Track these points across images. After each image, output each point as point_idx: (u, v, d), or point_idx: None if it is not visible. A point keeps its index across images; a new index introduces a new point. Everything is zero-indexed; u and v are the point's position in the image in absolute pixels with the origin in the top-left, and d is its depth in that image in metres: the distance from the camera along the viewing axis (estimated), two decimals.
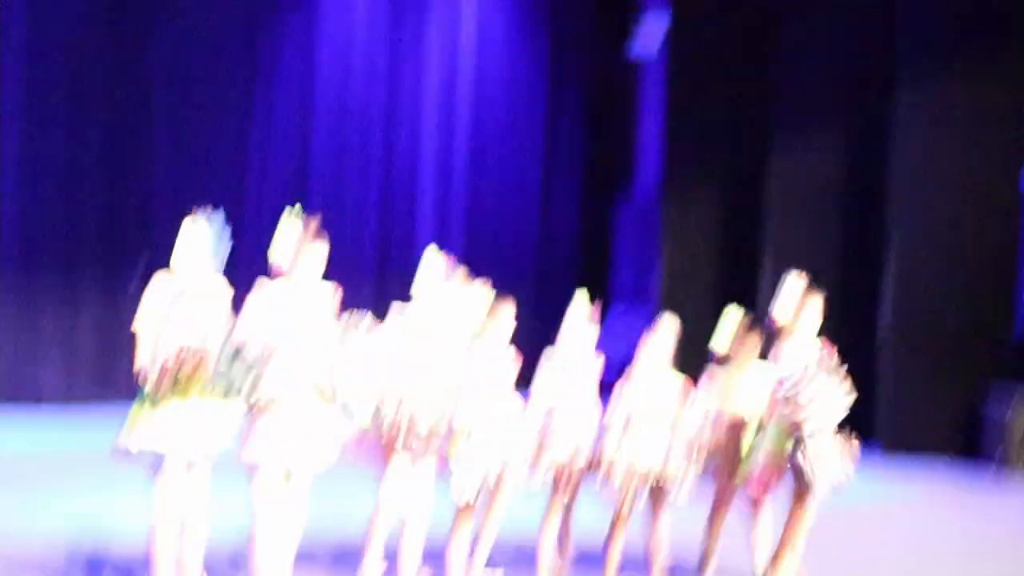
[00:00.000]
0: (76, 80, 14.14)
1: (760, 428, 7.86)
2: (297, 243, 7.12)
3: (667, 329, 7.96)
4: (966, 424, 13.10)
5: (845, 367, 7.85)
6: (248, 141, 14.99)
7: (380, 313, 14.44)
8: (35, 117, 13.96)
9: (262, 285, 7.01)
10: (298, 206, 7.64)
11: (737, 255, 14.67)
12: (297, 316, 6.98)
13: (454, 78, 16.03)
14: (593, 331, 7.97)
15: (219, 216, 7.15)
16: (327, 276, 14.96)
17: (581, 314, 8.03)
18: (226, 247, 7.16)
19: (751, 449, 7.87)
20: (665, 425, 7.62)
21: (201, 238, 7.09)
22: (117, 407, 13.54)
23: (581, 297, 8.14)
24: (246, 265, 14.19)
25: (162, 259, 13.68)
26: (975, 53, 13.19)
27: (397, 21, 15.74)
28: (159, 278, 7.08)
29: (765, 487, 7.93)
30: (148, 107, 14.51)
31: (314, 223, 7.26)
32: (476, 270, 15.52)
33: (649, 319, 15.79)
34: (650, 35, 16.17)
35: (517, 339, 16.15)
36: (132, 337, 7.89)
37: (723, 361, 8.15)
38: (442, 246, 15.47)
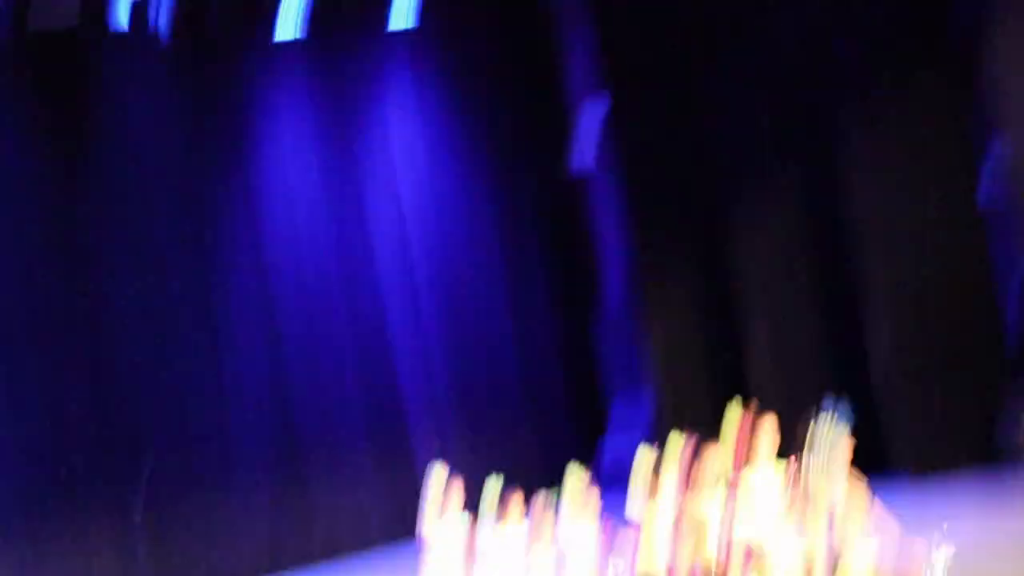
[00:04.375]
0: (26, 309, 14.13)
1: None
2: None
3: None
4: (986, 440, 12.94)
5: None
6: (214, 326, 14.97)
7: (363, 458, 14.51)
8: None
9: None
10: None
11: (721, 343, 14.54)
12: None
13: (406, 224, 15.98)
14: None
15: None
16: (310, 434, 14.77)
17: None
18: None
19: None
20: None
21: None
22: None
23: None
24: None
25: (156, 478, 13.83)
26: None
27: (340, 180, 15.77)
28: None
29: None
30: (108, 322, 14.51)
31: None
32: (466, 410, 15.53)
33: (646, 428, 15.62)
34: (588, 146, 16.17)
35: (515, 471, 15.96)
36: None
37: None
38: (428, 395, 15.53)
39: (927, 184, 13.31)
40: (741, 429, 8.27)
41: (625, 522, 8.21)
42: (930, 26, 13.51)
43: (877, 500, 7.76)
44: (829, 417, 7.08)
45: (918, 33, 13.46)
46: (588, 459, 15.77)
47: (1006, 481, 12.56)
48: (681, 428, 13.91)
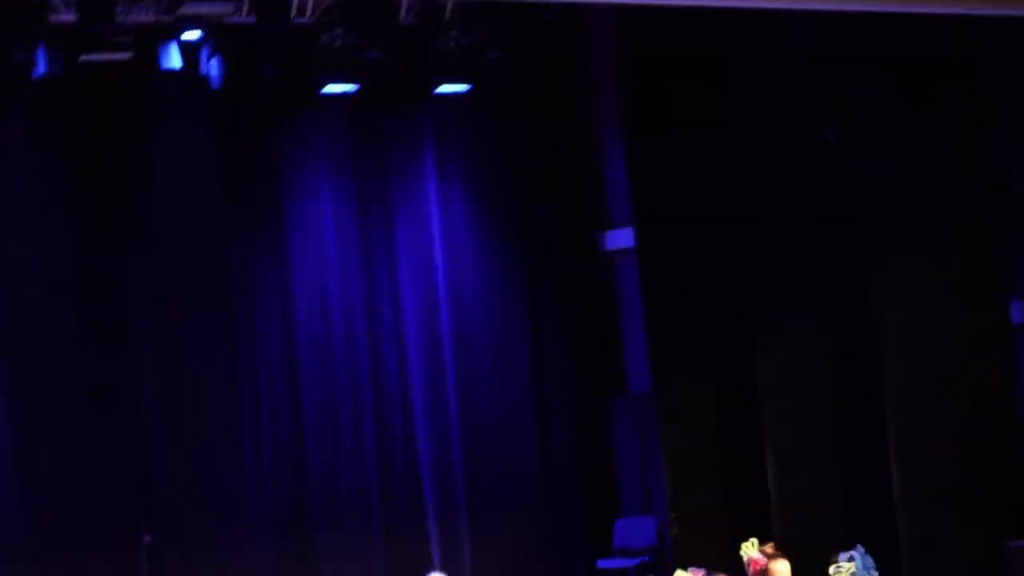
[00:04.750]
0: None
1: None
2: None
3: None
4: None
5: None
6: (238, 390, 14.99)
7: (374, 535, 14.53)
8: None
9: None
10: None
11: (738, 443, 14.48)
12: None
13: (433, 298, 15.96)
14: None
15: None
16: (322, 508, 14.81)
17: None
18: None
19: None
20: None
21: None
22: None
23: None
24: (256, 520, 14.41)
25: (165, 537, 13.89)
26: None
27: (369, 248, 15.76)
28: None
29: None
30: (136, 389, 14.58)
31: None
32: (478, 483, 15.52)
33: (657, 521, 15.58)
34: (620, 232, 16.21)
35: (524, 546, 15.88)
36: None
37: None
38: (442, 471, 15.52)
39: (954, 310, 13.33)
40: (754, 570, 8.16)
41: None
42: (966, 158, 13.55)
43: None
44: (851, 563, 6.93)
45: (953, 164, 13.49)
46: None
47: None
48: (689, 562, 14.05)
